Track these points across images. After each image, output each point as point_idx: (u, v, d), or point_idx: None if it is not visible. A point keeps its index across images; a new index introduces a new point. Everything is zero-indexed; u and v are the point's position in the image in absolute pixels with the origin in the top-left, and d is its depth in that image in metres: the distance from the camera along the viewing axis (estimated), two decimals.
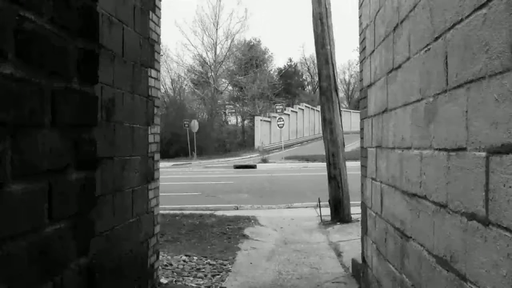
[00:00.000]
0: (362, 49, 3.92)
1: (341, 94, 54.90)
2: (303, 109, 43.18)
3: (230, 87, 43.73)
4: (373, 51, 3.41)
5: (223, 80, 42.61)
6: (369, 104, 3.60)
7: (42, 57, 1.08)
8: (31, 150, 1.03)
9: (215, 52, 40.11)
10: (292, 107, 42.06)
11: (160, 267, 4.43)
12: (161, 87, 14.19)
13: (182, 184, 14.56)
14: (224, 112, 42.48)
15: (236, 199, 11.05)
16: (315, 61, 10.12)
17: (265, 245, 6.22)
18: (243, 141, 37.50)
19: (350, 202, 8.04)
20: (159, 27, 4.15)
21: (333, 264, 5.21)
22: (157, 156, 4.11)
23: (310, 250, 5.96)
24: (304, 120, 43.33)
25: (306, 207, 9.75)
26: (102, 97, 2.86)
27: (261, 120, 35.19)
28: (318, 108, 33.36)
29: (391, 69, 2.76)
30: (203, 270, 4.90)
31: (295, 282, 4.54)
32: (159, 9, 4.15)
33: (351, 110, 52.09)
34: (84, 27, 1.31)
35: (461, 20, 1.60)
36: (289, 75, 51.00)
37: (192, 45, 67.83)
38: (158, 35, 4.13)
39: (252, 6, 77.36)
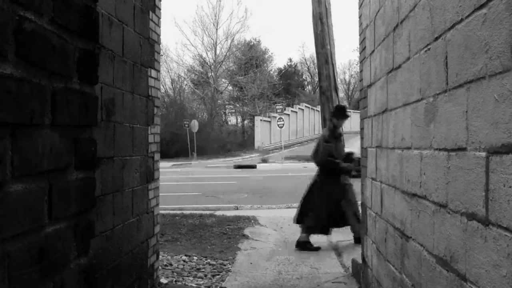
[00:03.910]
0: (362, 49, 3.92)
1: (341, 94, 54.80)
2: (303, 109, 43.15)
3: (230, 87, 43.72)
4: (373, 51, 3.41)
5: (223, 80, 42.61)
6: (369, 104, 3.60)
7: (42, 57, 1.08)
8: (31, 150, 1.03)
9: (215, 52, 40.13)
10: (292, 107, 42.03)
11: (160, 267, 4.43)
12: (161, 87, 14.17)
13: (182, 184, 14.56)
14: (224, 112, 42.50)
15: (236, 199, 11.05)
16: (315, 61, 10.13)
17: (265, 245, 6.22)
18: (243, 141, 37.47)
19: None
20: (159, 27, 4.15)
21: (333, 264, 5.21)
22: (157, 156, 4.11)
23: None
24: (304, 120, 43.30)
25: None
26: (102, 97, 2.86)
27: (261, 120, 35.18)
28: (318, 108, 33.35)
29: (391, 69, 2.76)
30: (203, 270, 4.90)
31: (295, 282, 4.54)
32: (159, 9, 4.15)
33: (351, 110, 51.90)
34: (84, 27, 1.31)
35: (461, 20, 1.60)
36: (289, 75, 50.99)
37: (192, 45, 67.75)
38: (158, 35, 4.13)
39: (252, 6, 77.44)
